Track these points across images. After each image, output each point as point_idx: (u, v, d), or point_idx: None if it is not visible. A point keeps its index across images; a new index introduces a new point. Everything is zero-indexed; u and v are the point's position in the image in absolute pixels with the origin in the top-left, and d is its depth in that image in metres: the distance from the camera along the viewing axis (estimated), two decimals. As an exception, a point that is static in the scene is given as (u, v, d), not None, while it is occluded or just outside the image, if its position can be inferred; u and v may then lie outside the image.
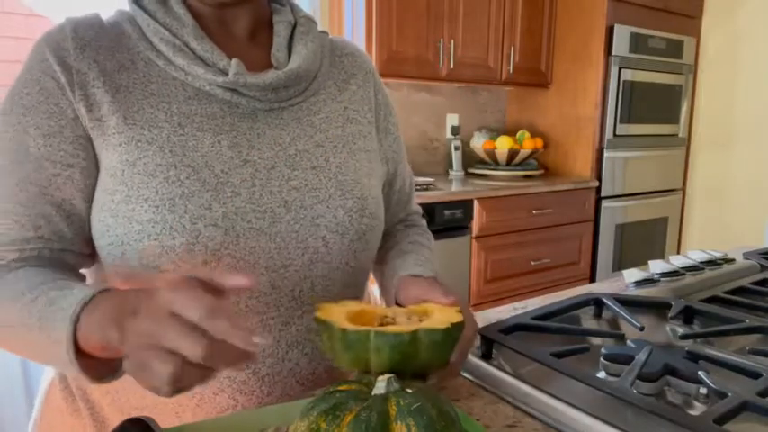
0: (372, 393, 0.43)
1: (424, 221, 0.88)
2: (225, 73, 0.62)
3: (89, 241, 0.62)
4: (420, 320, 0.54)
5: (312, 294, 0.65)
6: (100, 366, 0.50)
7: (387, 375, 0.43)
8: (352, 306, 0.55)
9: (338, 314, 0.52)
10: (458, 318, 0.51)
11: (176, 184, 0.58)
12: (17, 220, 0.59)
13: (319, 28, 0.76)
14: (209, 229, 0.58)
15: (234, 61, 0.62)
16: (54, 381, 0.72)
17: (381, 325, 0.53)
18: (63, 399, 0.70)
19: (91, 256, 0.64)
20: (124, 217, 0.58)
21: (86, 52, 0.60)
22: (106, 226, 0.59)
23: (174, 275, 0.45)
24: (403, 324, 0.52)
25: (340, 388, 0.44)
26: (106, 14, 0.65)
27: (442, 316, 0.53)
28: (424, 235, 0.83)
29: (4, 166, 0.59)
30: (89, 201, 0.61)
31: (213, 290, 0.45)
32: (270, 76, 0.64)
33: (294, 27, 0.72)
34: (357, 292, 0.73)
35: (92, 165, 0.61)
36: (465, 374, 0.64)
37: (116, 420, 0.65)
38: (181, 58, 0.62)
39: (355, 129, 0.72)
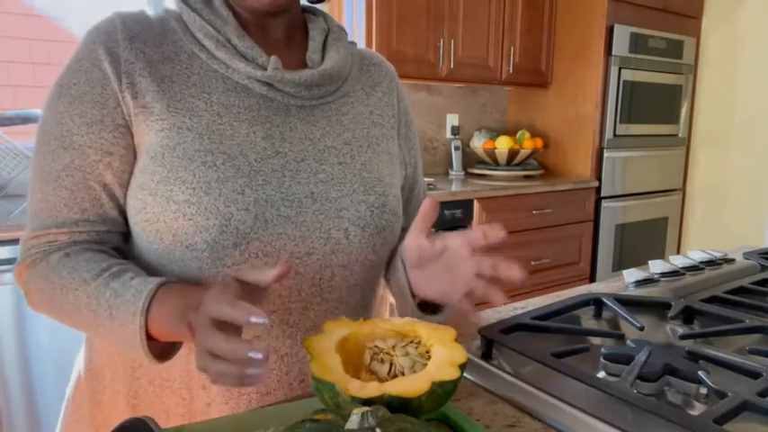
0: (345, 428, 0.40)
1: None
2: (264, 68, 0.67)
3: (127, 221, 0.67)
4: (416, 347, 0.52)
5: (332, 283, 0.68)
6: (163, 347, 0.59)
7: (363, 409, 0.40)
8: (339, 331, 0.53)
9: (335, 364, 0.49)
10: (462, 356, 0.50)
11: (213, 169, 0.62)
12: (65, 203, 0.63)
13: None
14: (241, 213, 0.62)
15: (272, 58, 0.67)
16: (82, 365, 0.75)
17: (374, 357, 0.52)
18: (88, 381, 0.73)
19: (128, 233, 0.69)
20: (162, 196, 0.62)
21: (135, 43, 0.64)
22: (144, 203, 0.63)
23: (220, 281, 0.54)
24: (399, 354, 0.51)
25: (315, 417, 0.42)
26: (152, 11, 0.69)
27: (443, 352, 0.50)
28: None
29: (51, 151, 0.63)
30: (125, 186, 0.65)
31: (253, 289, 0.52)
32: (305, 73, 0.68)
33: (327, 34, 0.76)
34: (373, 285, 0.76)
35: (129, 153, 0.64)
36: (465, 374, 0.64)
37: (142, 402, 0.69)
38: (223, 53, 0.66)
39: (379, 132, 0.76)
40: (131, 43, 0.64)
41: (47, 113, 0.64)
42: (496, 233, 0.56)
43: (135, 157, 0.65)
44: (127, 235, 0.69)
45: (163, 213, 0.62)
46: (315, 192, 0.66)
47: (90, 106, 0.62)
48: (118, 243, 0.69)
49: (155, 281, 0.58)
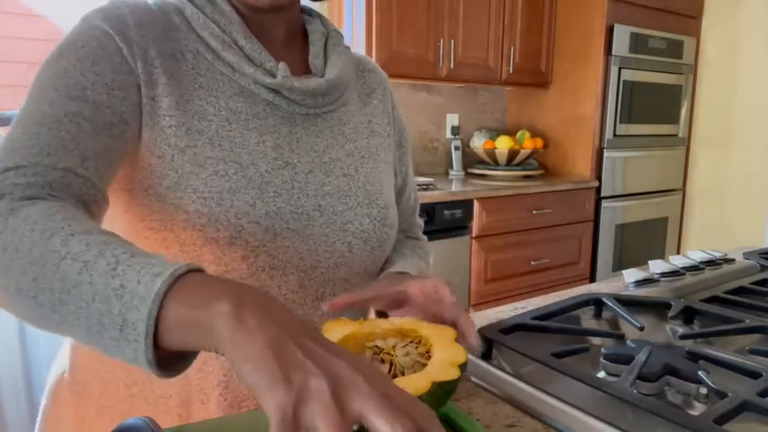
0: None
1: (424, 237, 0.91)
2: (271, 74, 0.64)
3: (108, 201, 0.56)
4: (416, 346, 0.52)
5: (333, 296, 0.67)
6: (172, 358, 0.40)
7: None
8: (339, 331, 0.53)
9: None
10: (462, 356, 0.50)
11: (225, 179, 0.59)
12: (64, 145, 0.51)
13: None
14: (252, 226, 0.60)
15: (281, 64, 0.65)
16: (63, 377, 0.71)
17: (374, 356, 0.52)
18: (72, 394, 0.70)
19: (103, 213, 0.57)
20: (171, 204, 0.58)
21: (145, 31, 0.60)
22: (150, 210, 0.59)
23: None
24: (399, 354, 0.51)
25: None
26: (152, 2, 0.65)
27: (443, 352, 0.50)
28: (421, 249, 0.86)
29: (50, 99, 0.52)
30: (121, 163, 0.58)
31: None
32: (313, 82, 0.67)
33: (326, 38, 0.75)
34: None
35: (138, 134, 0.59)
36: (465, 374, 0.64)
37: (137, 413, 0.66)
38: (230, 55, 0.63)
39: (378, 141, 0.76)
40: (142, 30, 0.59)
41: (41, 72, 0.55)
42: (444, 295, 0.59)
43: (139, 140, 0.59)
44: (100, 211, 0.57)
45: (171, 222, 0.58)
46: (322, 204, 0.65)
47: (110, 70, 0.55)
48: (102, 215, 0.57)
49: (196, 264, 0.41)
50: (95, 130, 0.53)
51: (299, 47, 0.73)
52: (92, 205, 0.53)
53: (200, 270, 0.40)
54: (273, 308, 0.36)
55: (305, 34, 0.74)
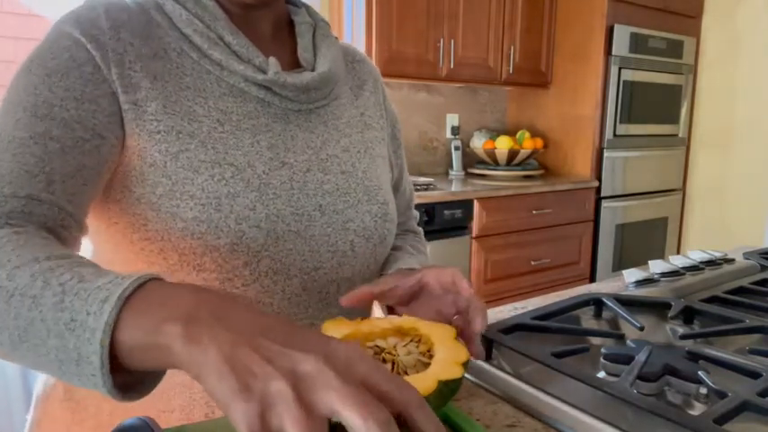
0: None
1: (420, 229, 0.90)
2: (262, 70, 0.62)
3: (83, 222, 0.55)
4: (417, 345, 0.52)
5: (337, 296, 0.66)
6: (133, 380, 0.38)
7: None
8: (338, 331, 0.53)
9: None
10: (464, 354, 0.50)
11: (222, 183, 0.57)
12: (28, 170, 0.50)
13: None
14: (253, 231, 0.58)
15: (271, 59, 0.62)
16: (55, 391, 0.68)
17: (376, 355, 0.51)
18: (63, 409, 0.67)
19: (76, 238, 0.56)
20: (167, 212, 0.56)
21: (122, 33, 0.57)
22: (144, 220, 0.57)
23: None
24: (402, 354, 0.51)
25: None
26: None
27: (445, 350, 0.50)
28: (420, 242, 0.85)
29: (16, 120, 0.51)
30: (100, 179, 0.56)
31: None
32: (306, 76, 0.64)
33: (314, 29, 0.73)
34: None
35: (119, 145, 0.56)
36: (465, 374, 0.64)
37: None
38: (218, 53, 0.60)
39: (372, 135, 0.74)
40: (118, 33, 0.56)
41: (11, 89, 0.53)
42: (462, 288, 0.58)
43: (122, 151, 0.57)
44: (74, 238, 0.55)
45: (167, 231, 0.56)
46: (322, 204, 0.64)
47: (80, 83, 0.53)
48: (75, 239, 0.55)
49: (149, 273, 0.39)
50: (64, 150, 0.52)
51: (287, 40, 0.70)
52: (60, 230, 0.52)
53: (155, 278, 0.38)
54: (230, 313, 0.35)
55: (291, 26, 0.72)
